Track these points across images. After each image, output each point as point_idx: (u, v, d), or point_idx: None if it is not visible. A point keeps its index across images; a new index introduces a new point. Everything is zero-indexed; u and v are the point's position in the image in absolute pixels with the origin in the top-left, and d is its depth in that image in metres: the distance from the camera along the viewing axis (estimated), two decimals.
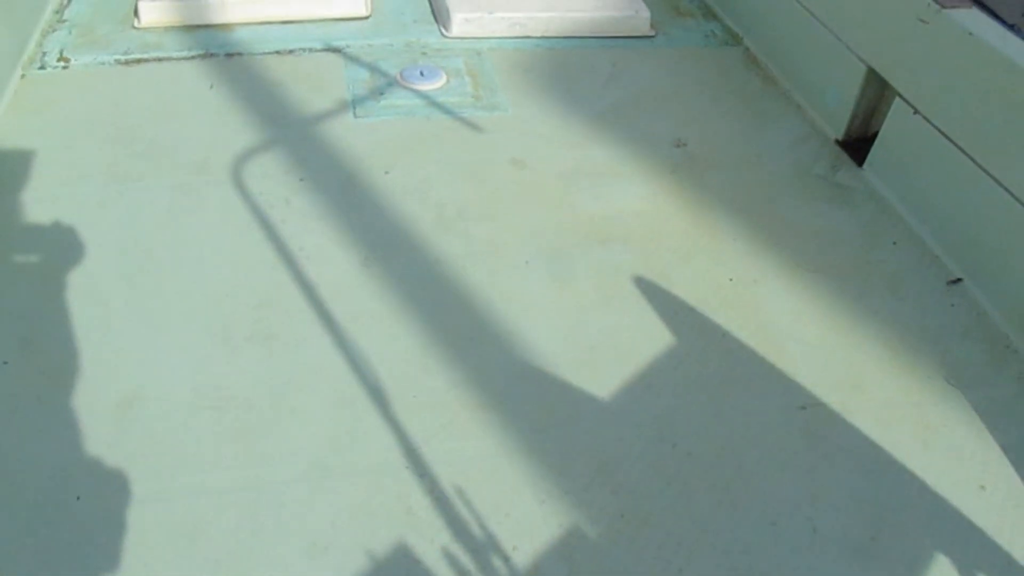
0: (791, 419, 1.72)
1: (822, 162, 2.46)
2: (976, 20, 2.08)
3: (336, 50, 2.76)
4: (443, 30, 2.92)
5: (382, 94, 2.57)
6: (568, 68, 2.80)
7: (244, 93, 2.52)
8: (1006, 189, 1.97)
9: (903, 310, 2.00)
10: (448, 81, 2.66)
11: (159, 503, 1.48)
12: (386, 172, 2.27)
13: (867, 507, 1.57)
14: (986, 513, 1.57)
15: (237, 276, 1.93)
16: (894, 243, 2.19)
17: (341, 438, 1.61)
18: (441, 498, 1.52)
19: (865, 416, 1.73)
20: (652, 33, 3.02)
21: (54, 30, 2.74)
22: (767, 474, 1.61)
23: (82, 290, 1.86)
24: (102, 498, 1.48)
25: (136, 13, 2.80)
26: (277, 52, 2.72)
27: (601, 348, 1.84)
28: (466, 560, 1.43)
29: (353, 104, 2.52)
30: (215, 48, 2.71)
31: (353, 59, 2.72)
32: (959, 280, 2.08)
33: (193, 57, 2.67)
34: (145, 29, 2.78)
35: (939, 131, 2.15)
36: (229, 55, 2.69)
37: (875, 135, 2.42)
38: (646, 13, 3.01)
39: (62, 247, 1.96)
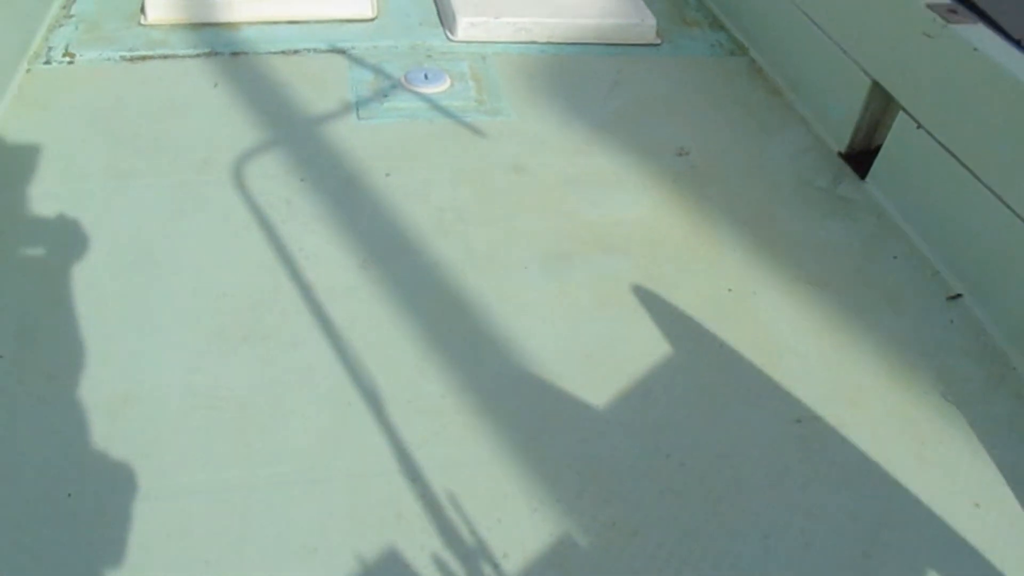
0: (786, 432, 1.71)
1: (824, 174, 2.46)
2: (982, 36, 2.08)
3: (341, 51, 2.76)
4: (448, 34, 2.92)
5: (386, 96, 2.57)
6: (572, 74, 2.80)
7: (248, 92, 2.52)
8: (1008, 206, 1.96)
9: (902, 325, 1.99)
10: (452, 85, 2.66)
11: (150, 501, 1.48)
12: (387, 174, 2.27)
13: (861, 522, 1.56)
14: (980, 531, 1.56)
15: (235, 276, 1.92)
16: (894, 257, 2.18)
17: (334, 440, 1.61)
18: (432, 503, 1.51)
19: (861, 431, 1.73)
20: (658, 41, 3.02)
21: (60, 25, 2.75)
22: (761, 487, 1.61)
23: (80, 286, 1.86)
24: (93, 495, 1.48)
25: (143, 10, 2.81)
26: (282, 52, 2.73)
27: (597, 356, 1.83)
28: (456, 566, 1.42)
29: (357, 106, 2.52)
30: (220, 47, 2.72)
31: (358, 60, 2.72)
32: (959, 296, 2.07)
33: (198, 55, 2.67)
34: (151, 26, 2.78)
35: (942, 146, 2.15)
36: (234, 54, 2.69)
37: (878, 148, 2.41)
38: (652, 21, 3.00)
39: (61, 242, 1.96)
